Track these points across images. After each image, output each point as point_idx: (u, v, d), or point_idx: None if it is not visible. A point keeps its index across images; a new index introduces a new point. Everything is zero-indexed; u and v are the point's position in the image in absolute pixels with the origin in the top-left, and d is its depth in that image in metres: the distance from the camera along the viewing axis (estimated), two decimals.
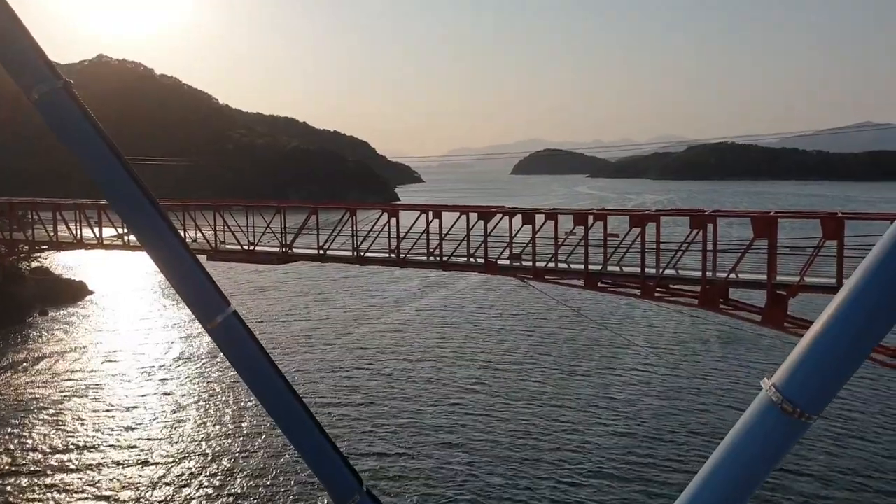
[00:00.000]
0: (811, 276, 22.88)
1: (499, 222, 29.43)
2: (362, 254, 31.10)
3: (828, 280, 22.86)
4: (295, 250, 33.08)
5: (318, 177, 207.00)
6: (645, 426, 34.45)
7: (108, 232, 38.55)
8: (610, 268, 26.41)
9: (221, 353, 2.12)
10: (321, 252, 32.06)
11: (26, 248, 42.61)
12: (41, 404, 37.61)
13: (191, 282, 2.15)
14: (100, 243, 37.77)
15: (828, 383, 1.89)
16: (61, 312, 61.41)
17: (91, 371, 43.15)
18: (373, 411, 36.75)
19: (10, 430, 34.19)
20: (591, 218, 27.31)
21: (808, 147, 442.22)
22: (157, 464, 30.39)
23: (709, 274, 24.17)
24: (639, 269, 25.58)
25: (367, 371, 43.68)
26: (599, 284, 26.87)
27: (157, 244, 2.14)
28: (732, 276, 23.94)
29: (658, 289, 25.47)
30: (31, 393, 39.61)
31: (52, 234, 39.25)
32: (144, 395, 39.20)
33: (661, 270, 25.12)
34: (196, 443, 33.00)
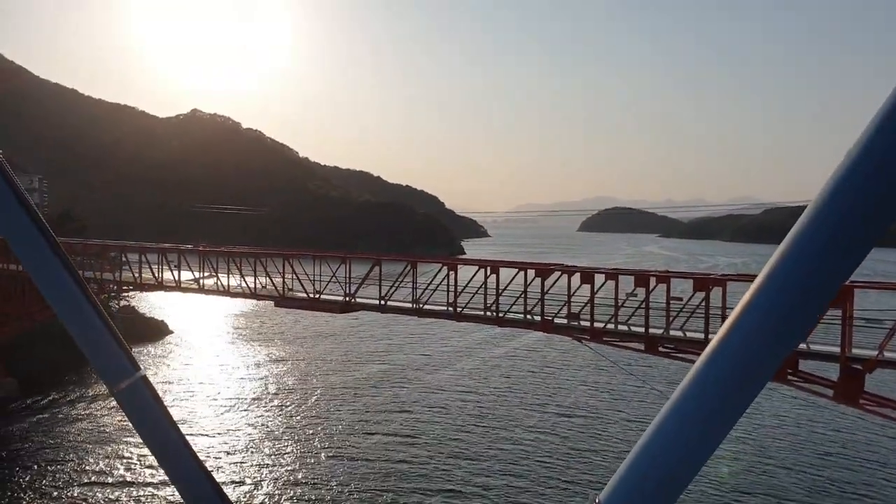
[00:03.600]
0: (891, 351, 21.40)
1: (557, 280, 29.11)
2: (421, 306, 31.28)
3: None
4: (357, 300, 33.62)
5: (387, 229, 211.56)
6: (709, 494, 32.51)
7: (186, 275, 40.43)
8: (672, 332, 25.53)
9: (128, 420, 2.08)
10: (382, 303, 32.46)
11: (115, 287, 45.11)
12: (110, 436, 39.12)
13: (98, 343, 2.07)
14: (178, 286, 39.56)
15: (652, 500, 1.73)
16: (145, 349, 64.34)
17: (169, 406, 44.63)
18: (410, 469, 36.26)
19: (85, 461, 35.56)
20: (653, 280, 26.63)
21: None
22: None
23: None
24: (703, 335, 24.61)
25: (410, 426, 43.37)
26: (661, 349, 25.94)
27: (64, 304, 2.04)
28: (803, 346, 22.65)
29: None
30: (102, 425, 41.30)
31: (136, 275, 41.47)
32: (215, 432, 40.22)
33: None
34: (260, 486, 33.34)
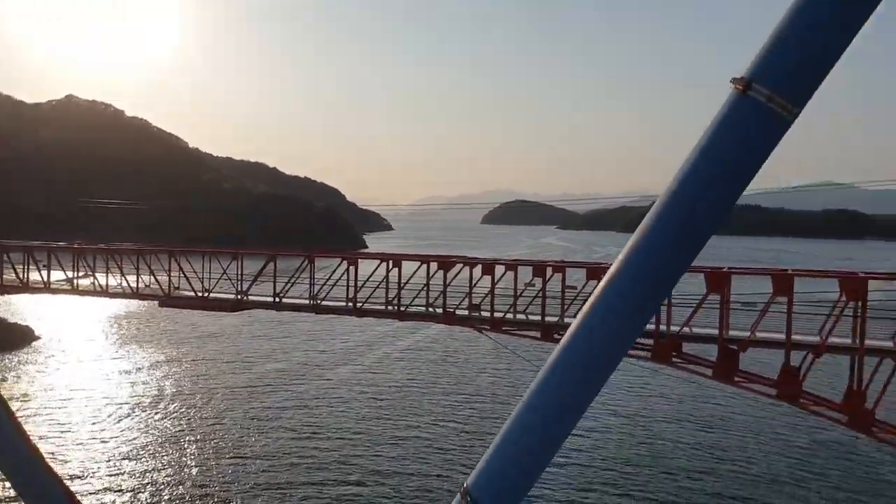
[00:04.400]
0: (762, 332, 23.37)
1: (459, 272, 29.58)
2: (319, 302, 30.84)
3: (778, 335, 23.34)
4: (250, 298, 32.68)
5: (284, 223, 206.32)
6: (603, 475, 34.28)
7: (59, 276, 37.64)
8: (567, 320, 26.60)
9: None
10: (276, 300, 31.73)
11: None
12: None
13: None
14: (46, 287, 36.81)
15: (511, 486, 1.86)
16: (5, 357, 59.29)
17: (30, 417, 41.50)
18: (310, 466, 35.89)
19: None
20: (549, 270, 27.65)
21: (770, 204, 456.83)
22: None
23: (662, 328, 24.51)
24: None
25: (310, 425, 42.88)
26: (556, 336, 26.99)
27: None
28: (686, 330, 24.31)
29: None
30: None
31: None
32: (83, 441, 37.73)
33: None
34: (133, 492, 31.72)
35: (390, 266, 29.81)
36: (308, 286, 31.24)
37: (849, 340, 22.27)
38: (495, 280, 28.24)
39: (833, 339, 22.14)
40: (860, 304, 21.59)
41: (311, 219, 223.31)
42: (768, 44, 1.86)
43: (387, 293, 29.71)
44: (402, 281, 29.40)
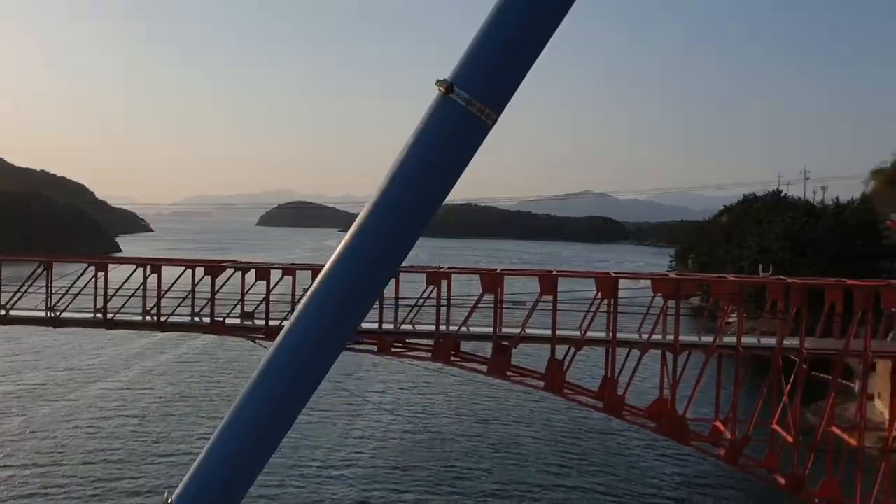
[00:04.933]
0: (531, 328, 25.13)
1: (230, 278, 27.60)
2: (58, 314, 26.66)
3: (545, 331, 25.22)
4: None
5: (17, 223, 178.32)
6: (381, 475, 34.53)
7: None
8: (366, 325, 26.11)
9: None
10: (3, 313, 26.83)
11: None
12: None
13: None
14: None
15: (224, 494, 1.86)
16: None
17: None
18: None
19: None
20: None
21: (539, 211, 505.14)
22: None
23: (442, 328, 25.17)
24: (376, 325, 25.69)
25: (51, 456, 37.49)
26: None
27: None
28: (464, 329, 25.27)
29: (395, 344, 25.79)
30: None
31: None
32: None
33: (398, 326, 25.53)
34: None
35: (148, 272, 26.83)
36: (45, 296, 26.91)
37: (604, 334, 24.84)
38: (271, 286, 26.80)
39: (591, 333, 24.52)
40: (612, 300, 24.22)
41: (50, 219, 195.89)
42: (468, 50, 1.97)
43: (144, 302, 26.67)
44: (163, 288, 26.61)
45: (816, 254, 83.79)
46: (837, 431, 25.65)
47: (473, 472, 37.96)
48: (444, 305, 25.45)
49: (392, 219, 2.01)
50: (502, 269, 27.06)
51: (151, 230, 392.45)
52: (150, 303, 26.66)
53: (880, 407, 45.49)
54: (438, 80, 1.94)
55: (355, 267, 1.97)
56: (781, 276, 29.75)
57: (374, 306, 25.68)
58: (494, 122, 1.96)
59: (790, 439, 24.05)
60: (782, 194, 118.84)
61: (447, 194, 2.05)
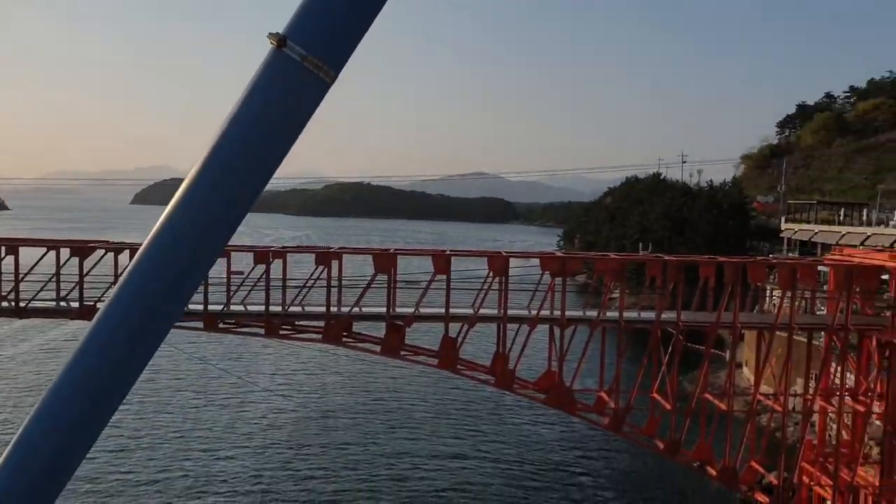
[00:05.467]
0: (425, 307, 25.25)
1: (101, 258, 25.78)
2: None
3: (439, 310, 25.42)
4: None
5: None
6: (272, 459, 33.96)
7: None
8: (234, 307, 25.17)
9: None
10: None
11: None
12: None
13: None
14: None
15: (40, 485, 1.70)
16: None
17: None
18: None
19: None
20: None
21: (433, 191, 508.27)
22: None
23: (333, 309, 24.78)
24: (263, 307, 24.91)
25: None
26: (221, 325, 25.39)
27: None
28: (356, 310, 25.00)
29: (283, 326, 25.15)
30: None
31: None
32: None
33: (286, 308, 24.87)
34: None
35: (2, 253, 24.56)
36: None
37: (496, 311, 25.39)
38: None
39: (483, 311, 24.99)
40: (503, 279, 24.78)
41: None
42: (302, 1, 1.87)
43: None
44: (22, 271, 24.48)
45: (693, 232, 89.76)
46: (710, 398, 27.71)
47: (368, 448, 38.20)
48: (334, 286, 25.06)
49: (221, 186, 1.83)
50: (395, 249, 26.93)
51: (7, 208, 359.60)
52: (6, 287, 24.47)
53: (748, 374, 49.69)
54: (271, 34, 1.80)
55: (179, 239, 1.78)
56: (660, 254, 31.56)
57: (261, 287, 25.05)
58: (333, 80, 1.86)
59: (668, 406, 25.71)
60: (662, 177, 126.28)
61: (282, 158, 1.90)
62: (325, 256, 24.99)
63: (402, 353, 25.24)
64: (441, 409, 45.59)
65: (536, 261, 26.68)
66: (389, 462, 36.59)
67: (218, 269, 25.51)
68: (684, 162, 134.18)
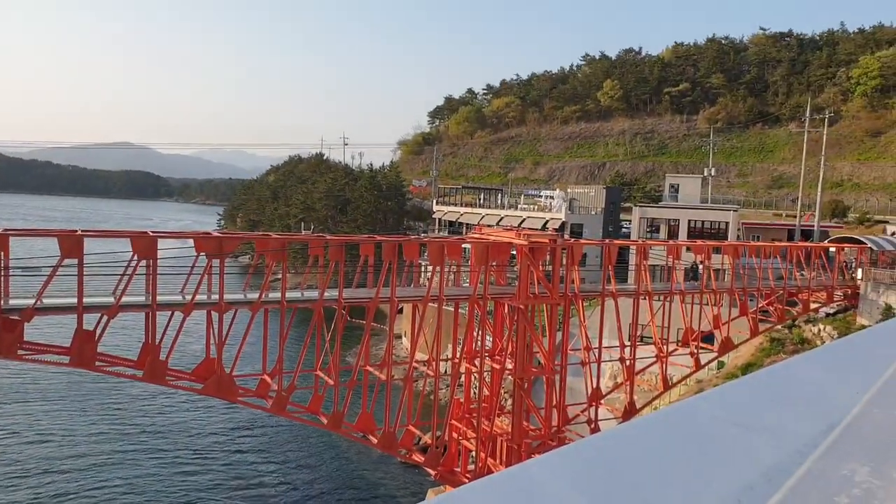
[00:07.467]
0: (50, 297, 21.81)
1: None
2: None
3: (70, 300, 22.17)
4: None
5: None
6: None
7: None
8: None
9: None
10: None
11: None
12: None
13: None
14: None
15: None
16: None
17: None
18: None
19: None
20: None
21: (62, 161, 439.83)
22: None
23: None
24: None
25: None
26: None
27: None
28: None
29: None
30: None
31: None
32: None
33: None
34: None
35: None
36: None
37: (144, 298, 23.13)
38: None
39: (127, 298, 22.56)
40: (152, 262, 22.66)
41: None
42: None
43: None
44: None
45: (355, 212, 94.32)
46: (371, 369, 29.41)
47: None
48: None
49: None
50: (5, 230, 22.63)
51: None
52: None
53: (406, 344, 54.21)
54: None
55: None
56: (322, 234, 32.34)
57: None
58: None
59: (331, 382, 26.55)
60: (325, 157, 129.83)
61: None
62: None
63: (21, 352, 21.51)
64: (87, 408, 41.09)
65: (191, 241, 25.03)
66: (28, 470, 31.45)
67: None
68: (346, 144, 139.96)
